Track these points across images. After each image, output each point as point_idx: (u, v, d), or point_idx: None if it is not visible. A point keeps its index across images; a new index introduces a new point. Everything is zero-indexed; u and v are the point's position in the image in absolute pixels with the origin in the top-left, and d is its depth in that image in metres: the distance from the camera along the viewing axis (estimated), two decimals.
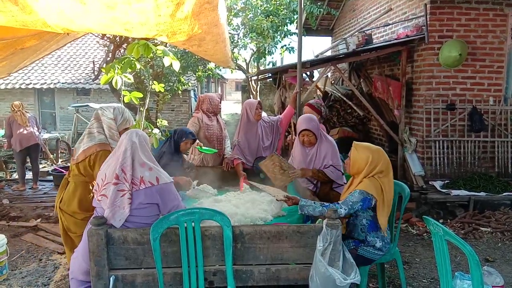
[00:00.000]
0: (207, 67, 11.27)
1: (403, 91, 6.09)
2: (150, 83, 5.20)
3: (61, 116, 14.38)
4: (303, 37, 5.12)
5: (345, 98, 7.63)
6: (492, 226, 4.85)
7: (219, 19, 2.30)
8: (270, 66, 11.03)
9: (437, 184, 5.63)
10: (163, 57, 3.54)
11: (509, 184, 5.54)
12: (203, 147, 4.10)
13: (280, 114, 6.79)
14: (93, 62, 13.08)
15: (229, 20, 10.11)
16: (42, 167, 8.61)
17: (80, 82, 13.82)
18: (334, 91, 8.12)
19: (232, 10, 10.21)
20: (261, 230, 2.41)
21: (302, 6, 4.94)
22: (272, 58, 11.24)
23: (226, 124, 4.93)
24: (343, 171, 3.57)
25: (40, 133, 7.46)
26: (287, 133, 4.60)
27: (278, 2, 10.05)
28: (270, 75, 10.58)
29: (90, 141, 2.97)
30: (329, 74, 9.60)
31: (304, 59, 5.31)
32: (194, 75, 11.68)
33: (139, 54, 3.43)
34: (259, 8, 10.03)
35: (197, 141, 4.01)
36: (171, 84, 10.02)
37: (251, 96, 11.61)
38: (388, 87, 6.48)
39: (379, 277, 3.47)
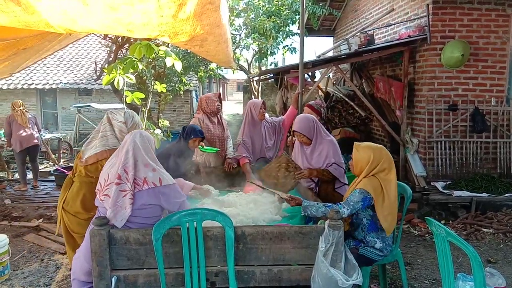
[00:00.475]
0: (208, 68, 11.27)
1: (405, 92, 6.09)
2: (152, 84, 5.21)
3: (63, 116, 14.40)
4: (305, 37, 5.12)
5: (346, 99, 7.62)
6: (494, 227, 4.84)
7: (221, 19, 2.31)
8: (272, 66, 11.02)
9: (439, 185, 5.62)
10: (165, 58, 3.55)
11: (511, 185, 5.52)
12: (205, 147, 4.11)
13: (282, 114, 6.80)
14: (95, 62, 13.08)
15: (231, 21, 10.11)
16: (44, 167, 8.63)
17: (82, 83, 13.85)
18: (336, 92, 8.11)
19: (234, 11, 10.20)
20: (263, 231, 2.40)
21: (304, 7, 4.94)
22: (274, 58, 11.24)
23: (228, 125, 4.92)
24: (345, 169, 3.58)
25: (40, 134, 7.49)
26: (289, 134, 4.58)
27: (280, 3, 10.04)
28: (271, 75, 10.58)
29: (103, 145, 2.95)
30: (330, 75, 9.59)
31: (306, 59, 5.31)
32: (196, 76, 11.68)
33: (141, 54, 3.44)
34: (261, 8, 10.03)
35: None
36: (173, 84, 10.03)
37: (253, 96, 11.61)
38: (390, 87, 6.48)
39: (381, 278, 3.46)
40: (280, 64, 11.76)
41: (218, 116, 4.55)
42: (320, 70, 7.57)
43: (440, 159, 5.89)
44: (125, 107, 4.95)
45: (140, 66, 3.73)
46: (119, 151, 2.50)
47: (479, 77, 5.88)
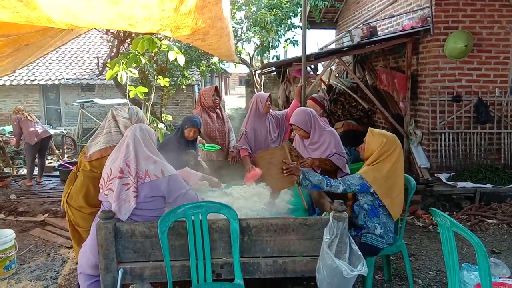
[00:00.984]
0: (210, 62, 11.26)
1: (408, 83, 6.06)
2: (155, 78, 5.21)
3: (66, 112, 14.44)
4: (307, 30, 5.09)
5: (349, 91, 7.60)
6: (498, 218, 4.84)
7: (223, 13, 2.30)
8: (274, 60, 10.99)
9: (443, 176, 5.62)
10: (168, 52, 3.55)
11: None
12: (206, 145, 4.09)
13: (285, 108, 6.79)
14: (97, 57, 13.09)
15: (232, 14, 10.08)
16: (48, 163, 8.67)
17: (84, 78, 13.86)
18: (339, 84, 8.08)
19: (236, 4, 10.17)
20: (268, 223, 2.42)
21: None
22: (276, 51, 11.21)
23: (230, 119, 4.91)
24: (348, 160, 3.59)
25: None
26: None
27: None
28: (274, 68, 10.56)
29: (108, 141, 2.96)
30: (333, 67, 9.56)
31: (308, 52, 5.29)
32: (198, 70, 11.67)
33: (144, 49, 3.44)
34: (263, 1, 9.99)
35: (199, 138, 4.01)
36: (175, 78, 10.03)
37: (255, 90, 11.60)
38: (393, 79, 6.45)
39: (385, 269, 3.49)
40: (282, 57, 11.73)
41: (218, 110, 4.52)
42: (323, 63, 7.55)
43: (444, 150, 5.88)
44: (129, 102, 4.96)
45: (143, 60, 3.73)
46: (120, 146, 2.52)
47: (483, 67, 5.85)
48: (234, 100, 26.43)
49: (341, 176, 3.51)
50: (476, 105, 5.83)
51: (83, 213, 3.01)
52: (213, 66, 11.36)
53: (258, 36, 9.77)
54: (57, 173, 7.81)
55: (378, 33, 6.95)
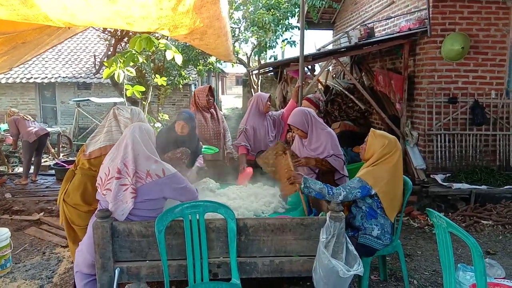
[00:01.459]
0: (208, 61, 11.25)
1: (405, 85, 6.08)
2: (152, 77, 5.21)
3: (62, 110, 14.38)
4: (304, 30, 5.10)
5: (346, 92, 7.62)
6: (493, 219, 4.87)
7: (221, 12, 2.30)
8: (271, 60, 11.00)
9: (439, 177, 5.64)
10: (165, 51, 3.55)
11: (510, 177, 5.54)
12: (203, 147, 4.06)
13: (282, 108, 6.80)
14: (94, 56, 13.06)
15: (230, 14, 10.07)
16: (44, 161, 8.62)
17: (81, 77, 13.81)
18: (336, 85, 8.10)
19: (233, 4, 10.16)
20: (265, 223, 2.42)
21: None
22: (274, 52, 11.22)
23: (227, 118, 4.89)
24: (345, 161, 3.61)
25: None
26: (289, 129, 4.59)
27: None
28: (271, 69, 10.56)
29: (108, 140, 2.95)
30: (330, 68, 9.57)
31: (305, 52, 5.29)
32: (195, 69, 11.65)
33: (142, 47, 3.43)
34: (260, 1, 9.99)
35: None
36: (172, 78, 10.01)
37: (252, 90, 11.60)
38: (390, 80, 6.47)
39: (381, 269, 3.50)
40: (279, 58, 11.73)
41: (212, 110, 4.49)
42: (320, 64, 7.56)
43: (440, 151, 5.91)
44: (126, 101, 4.96)
45: (141, 60, 3.73)
46: (119, 145, 2.50)
47: (479, 70, 5.88)
48: (231, 100, 26.42)
49: (339, 177, 3.53)
50: (472, 107, 5.86)
51: (79, 211, 3.00)
52: (210, 66, 11.35)
53: (256, 36, 9.77)
54: (53, 171, 7.78)
55: (376, 34, 6.98)
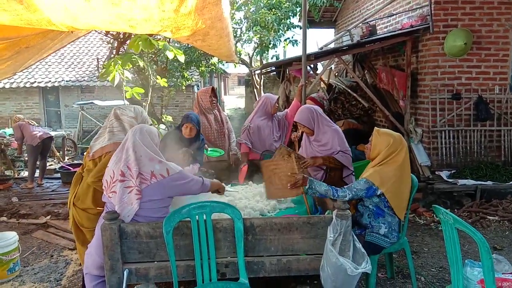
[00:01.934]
0: (210, 62, 11.27)
1: (408, 82, 6.08)
2: (154, 79, 5.23)
3: (66, 114, 14.45)
4: (306, 29, 5.10)
5: (349, 90, 7.62)
6: (500, 215, 4.86)
7: (223, 13, 2.31)
8: (273, 59, 11.00)
9: (444, 174, 5.63)
10: (165, 51, 3.56)
11: None
12: (209, 149, 4.07)
13: (285, 108, 6.80)
14: (97, 59, 13.07)
15: (232, 14, 10.09)
16: (49, 165, 8.68)
17: (84, 80, 13.87)
18: (338, 83, 8.10)
19: (235, 4, 10.17)
20: (272, 222, 2.43)
21: None
22: (276, 51, 11.22)
23: (230, 119, 4.90)
24: (352, 156, 3.62)
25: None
26: (294, 129, 4.59)
27: None
28: (273, 68, 10.57)
29: (109, 139, 2.98)
30: (332, 66, 9.57)
31: (308, 51, 5.30)
32: (198, 70, 11.68)
33: (139, 49, 3.45)
34: (262, 1, 10.00)
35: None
36: (175, 79, 10.03)
37: (255, 90, 11.61)
38: (393, 78, 6.46)
39: (388, 266, 3.50)
40: (281, 57, 11.73)
41: (215, 111, 4.49)
42: (322, 62, 7.56)
43: (444, 148, 5.90)
44: (126, 103, 4.97)
45: (141, 63, 3.74)
46: (122, 148, 2.52)
47: (482, 65, 5.87)
48: (234, 100, 26.45)
49: (347, 175, 3.54)
50: (476, 102, 5.84)
51: (89, 214, 3.02)
52: (213, 67, 11.37)
53: (258, 35, 9.78)
54: (58, 175, 7.83)
55: (378, 32, 6.96)
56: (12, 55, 4.11)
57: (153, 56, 7.95)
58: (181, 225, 2.36)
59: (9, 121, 13.18)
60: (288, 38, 10.56)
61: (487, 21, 5.76)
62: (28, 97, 14.33)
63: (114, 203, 2.43)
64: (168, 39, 5.64)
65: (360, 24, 7.13)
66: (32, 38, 3.72)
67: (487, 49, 5.83)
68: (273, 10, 9.66)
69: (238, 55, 10.82)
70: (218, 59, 10.71)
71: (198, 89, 14.54)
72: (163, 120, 8.25)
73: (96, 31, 7.30)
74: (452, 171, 5.70)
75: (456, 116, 5.91)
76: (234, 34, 10.15)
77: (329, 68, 8.52)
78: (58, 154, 9.53)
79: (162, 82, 4.64)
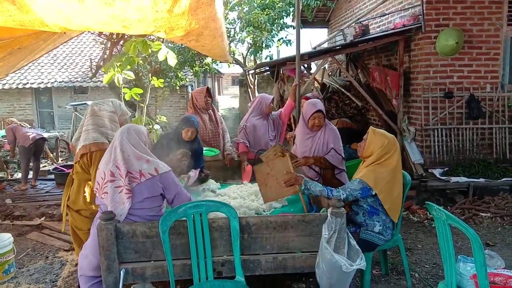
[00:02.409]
0: (204, 62, 11.27)
1: (401, 81, 6.13)
2: (149, 79, 5.22)
3: (59, 115, 14.36)
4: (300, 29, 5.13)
5: (343, 89, 7.66)
6: (492, 211, 4.91)
7: (216, 13, 2.32)
8: (267, 59, 11.04)
9: (437, 171, 5.69)
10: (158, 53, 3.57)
11: (507, 169, 5.59)
12: (204, 149, 4.07)
13: (279, 107, 6.83)
14: (90, 60, 13.05)
15: (225, 14, 10.11)
16: (43, 166, 8.63)
17: (77, 81, 13.79)
18: (332, 83, 8.14)
19: (228, 4, 10.19)
20: (267, 221, 2.45)
21: None
22: (269, 51, 11.26)
23: (224, 119, 4.91)
24: (343, 156, 3.67)
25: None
26: (288, 129, 4.62)
27: None
28: (267, 68, 10.61)
29: (85, 140, 3.00)
30: (326, 66, 9.61)
31: (301, 51, 5.33)
32: (191, 71, 11.68)
33: (137, 51, 3.46)
34: (255, 1, 10.03)
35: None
36: (169, 80, 10.03)
37: (249, 90, 11.63)
38: (386, 77, 6.51)
39: (382, 263, 3.54)
40: (275, 57, 11.77)
41: (210, 111, 4.49)
42: (316, 62, 7.59)
43: (437, 146, 5.95)
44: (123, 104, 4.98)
45: (140, 62, 3.75)
46: (111, 148, 2.54)
47: (474, 64, 5.93)
48: (228, 100, 26.42)
49: (338, 172, 3.58)
50: (467, 101, 5.90)
51: (82, 216, 3.03)
52: (207, 67, 11.38)
53: (251, 36, 9.80)
54: (52, 176, 7.79)
55: (370, 31, 7.01)
56: (4, 56, 4.09)
57: (147, 56, 7.94)
58: (177, 225, 2.38)
59: (1, 122, 13.10)
60: (282, 38, 10.60)
61: (478, 20, 5.83)
62: (20, 98, 14.22)
63: (106, 203, 2.44)
64: (161, 39, 5.65)
65: (353, 24, 7.18)
66: (24, 39, 3.70)
67: (479, 48, 5.89)
68: (267, 10, 9.69)
69: (232, 55, 10.83)
70: (212, 59, 10.72)
71: (192, 89, 14.54)
72: (157, 120, 8.24)
73: (89, 31, 7.28)
74: (445, 169, 5.76)
75: (449, 114, 5.97)
76: (228, 34, 10.16)
77: (322, 67, 8.56)
78: (51, 155, 9.48)
79: (158, 83, 4.64)
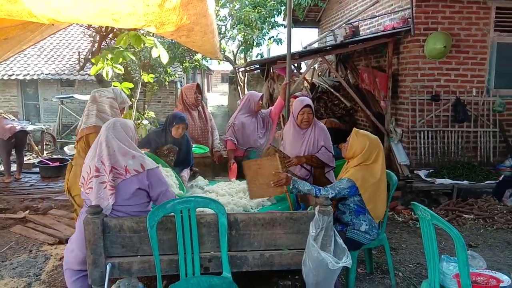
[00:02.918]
0: (194, 58, 11.22)
1: (389, 83, 6.19)
2: (140, 74, 5.19)
3: (45, 107, 14.14)
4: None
5: (332, 90, 7.71)
6: (475, 213, 5.01)
7: (208, 9, 2.32)
8: (258, 57, 11.04)
9: (422, 173, 5.78)
10: (151, 48, 3.55)
11: (490, 172, 5.71)
12: (193, 146, 4.06)
13: (268, 106, 6.84)
14: (79, 52, 12.85)
15: (216, 11, 10.07)
16: (27, 159, 8.50)
17: (64, 73, 13.59)
18: (321, 83, 8.18)
19: (219, 1, 10.16)
20: (255, 217, 2.47)
21: None
22: (260, 49, 11.27)
23: (213, 116, 4.90)
24: (333, 153, 3.70)
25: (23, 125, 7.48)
26: (277, 127, 4.64)
27: None
28: (258, 66, 10.61)
29: (84, 123, 3.07)
30: (316, 66, 9.66)
31: (292, 50, 5.34)
32: (181, 66, 11.62)
33: (127, 44, 3.43)
34: None
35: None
36: (158, 75, 9.96)
37: (239, 87, 11.63)
38: (374, 78, 6.58)
39: (367, 262, 3.59)
40: (265, 55, 11.77)
41: (199, 108, 4.47)
42: (306, 62, 7.62)
43: (423, 148, 6.04)
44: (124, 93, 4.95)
45: (132, 57, 3.72)
46: (97, 142, 2.51)
47: (461, 68, 6.03)
48: (217, 97, 26.33)
49: (327, 171, 3.61)
50: (454, 104, 6.00)
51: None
52: (196, 63, 11.34)
53: (242, 33, 9.80)
54: (37, 169, 7.67)
55: (360, 33, 7.07)
56: None
57: (136, 51, 7.87)
58: (165, 220, 2.37)
59: None
60: (273, 36, 10.61)
61: (466, 25, 5.92)
62: (5, 90, 13.96)
63: (91, 199, 2.42)
64: (152, 34, 5.59)
65: (344, 25, 7.23)
66: (11, 30, 3.63)
67: (466, 52, 5.99)
68: (258, 8, 9.69)
69: (222, 52, 10.81)
70: (202, 56, 10.69)
71: (181, 85, 14.46)
72: (145, 116, 8.19)
73: (77, 24, 7.18)
74: (430, 171, 5.85)
75: (435, 117, 6.06)
76: (219, 31, 10.13)
77: (312, 67, 8.60)
78: (36, 148, 9.34)
79: (149, 78, 4.61)
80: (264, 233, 2.47)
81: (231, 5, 10.24)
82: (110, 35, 7.27)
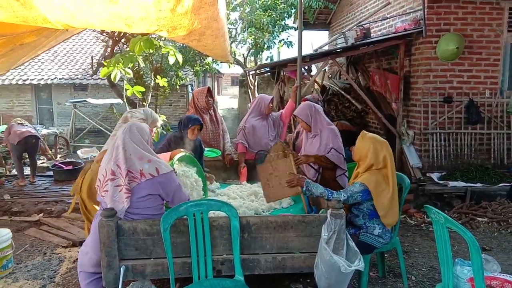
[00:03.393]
0: (204, 62, 11.29)
1: (401, 85, 6.16)
2: (151, 78, 5.24)
3: (59, 111, 14.35)
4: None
5: (343, 92, 7.69)
6: (489, 216, 4.95)
7: (219, 13, 2.34)
8: (268, 60, 11.06)
9: (435, 175, 5.72)
10: (163, 53, 3.59)
11: (504, 175, 5.63)
12: (206, 149, 4.09)
13: (279, 109, 6.86)
14: (92, 57, 13.03)
15: (227, 15, 10.12)
16: (41, 163, 8.63)
17: (77, 78, 13.79)
18: (332, 85, 8.17)
19: (230, 5, 10.21)
20: (267, 220, 2.47)
21: (302, 0, 4.98)
22: (270, 53, 11.29)
23: (224, 119, 4.93)
24: (344, 155, 3.67)
25: (38, 130, 7.61)
26: (289, 130, 4.64)
27: None
28: (268, 69, 10.63)
29: (108, 143, 3.08)
30: (326, 68, 9.65)
31: (303, 53, 5.35)
32: (192, 70, 11.69)
33: (141, 50, 3.47)
34: (257, 2, 10.05)
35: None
36: (169, 79, 10.04)
37: (249, 90, 11.66)
38: (386, 80, 6.54)
39: (380, 266, 3.56)
40: (275, 58, 11.80)
41: (211, 111, 4.50)
42: (316, 64, 7.62)
43: (436, 150, 5.99)
44: (125, 102, 4.99)
45: (142, 64, 3.76)
46: (113, 147, 2.54)
47: (474, 69, 5.97)
48: (227, 101, 26.40)
49: (339, 174, 3.59)
50: (467, 106, 5.94)
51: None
52: (207, 66, 11.40)
53: (253, 36, 9.83)
54: (51, 173, 7.79)
55: (372, 35, 7.05)
56: (6, 52, 4.09)
57: (147, 55, 7.95)
58: (178, 223, 2.39)
59: (0, 118, 13.10)
60: (283, 39, 10.62)
61: (479, 26, 5.87)
62: (20, 95, 14.21)
63: (107, 202, 2.45)
64: (163, 38, 5.65)
65: (355, 27, 7.21)
66: (26, 36, 3.71)
67: (479, 53, 5.93)
68: (269, 11, 9.71)
69: (233, 56, 10.85)
70: (213, 59, 10.74)
71: (192, 89, 14.56)
72: None
73: (91, 29, 7.29)
74: (443, 173, 5.79)
75: (448, 119, 6.01)
76: (229, 35, 10.19)
77: (323, 70, 8.59)
78: (49, 152, 9.48)
79: (162, 82, 4.65)
80: (276, 236, 2.48)
81: (242, 8, 10.28)
82: (123, 40, 7.38)
